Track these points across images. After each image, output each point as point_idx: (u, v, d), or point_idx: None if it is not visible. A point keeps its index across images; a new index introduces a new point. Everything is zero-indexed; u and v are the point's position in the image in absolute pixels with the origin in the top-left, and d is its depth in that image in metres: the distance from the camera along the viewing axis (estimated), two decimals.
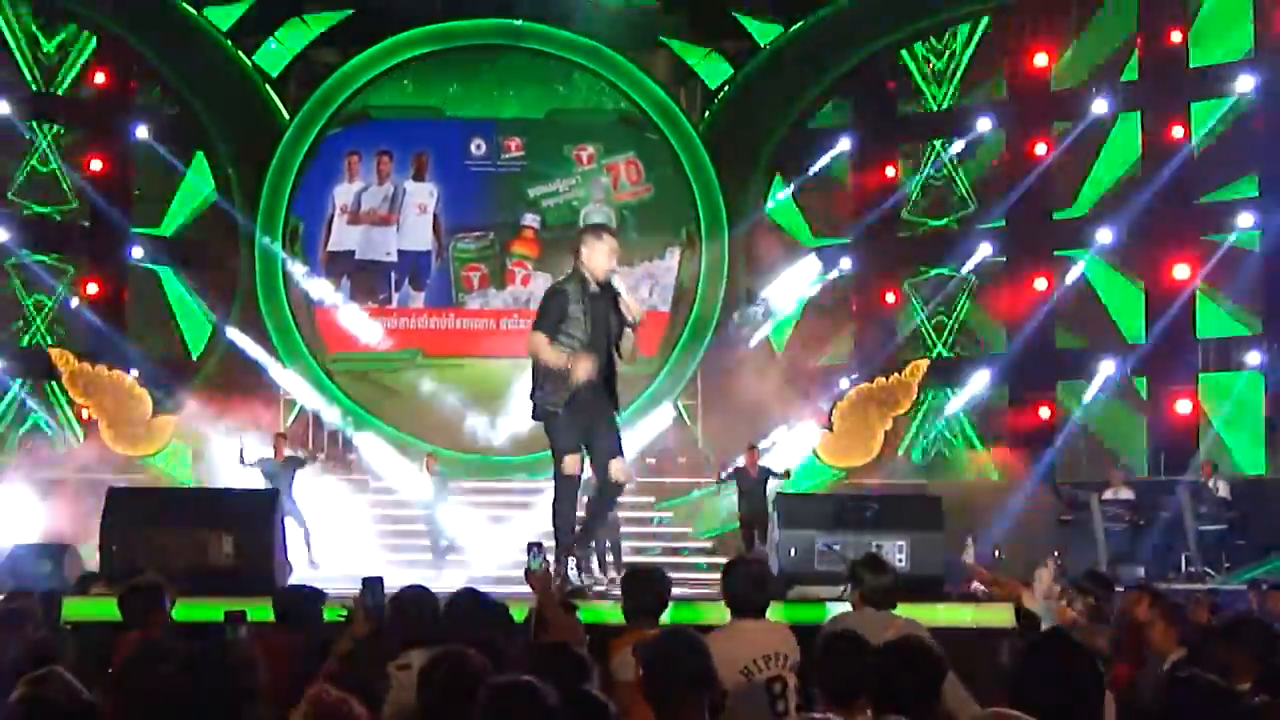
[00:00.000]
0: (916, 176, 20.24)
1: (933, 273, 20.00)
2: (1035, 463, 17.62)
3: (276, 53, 21.26)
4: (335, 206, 20.85)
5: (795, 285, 20.29)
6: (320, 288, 20.32)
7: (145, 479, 17.20)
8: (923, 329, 20.17)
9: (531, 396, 7.62)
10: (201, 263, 20.20)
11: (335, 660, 4.56)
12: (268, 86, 20.78)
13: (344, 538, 16.37)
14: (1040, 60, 19.02)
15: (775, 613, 5.74)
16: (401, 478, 18.53)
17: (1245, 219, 17.15)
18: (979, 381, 19.07)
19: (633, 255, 20.03)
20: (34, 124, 19.10)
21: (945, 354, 20.05)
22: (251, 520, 8.17)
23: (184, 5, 20.19)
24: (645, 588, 5.28)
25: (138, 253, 19.57)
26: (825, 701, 4.13)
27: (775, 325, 20.60)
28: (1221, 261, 17.30)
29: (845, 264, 20.40)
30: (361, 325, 20.34)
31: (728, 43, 21.54)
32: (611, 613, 5.93)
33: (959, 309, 20.04)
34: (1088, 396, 18.21)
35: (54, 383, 18.77)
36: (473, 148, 21.03)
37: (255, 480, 14.96)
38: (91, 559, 9.75)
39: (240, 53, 20.57)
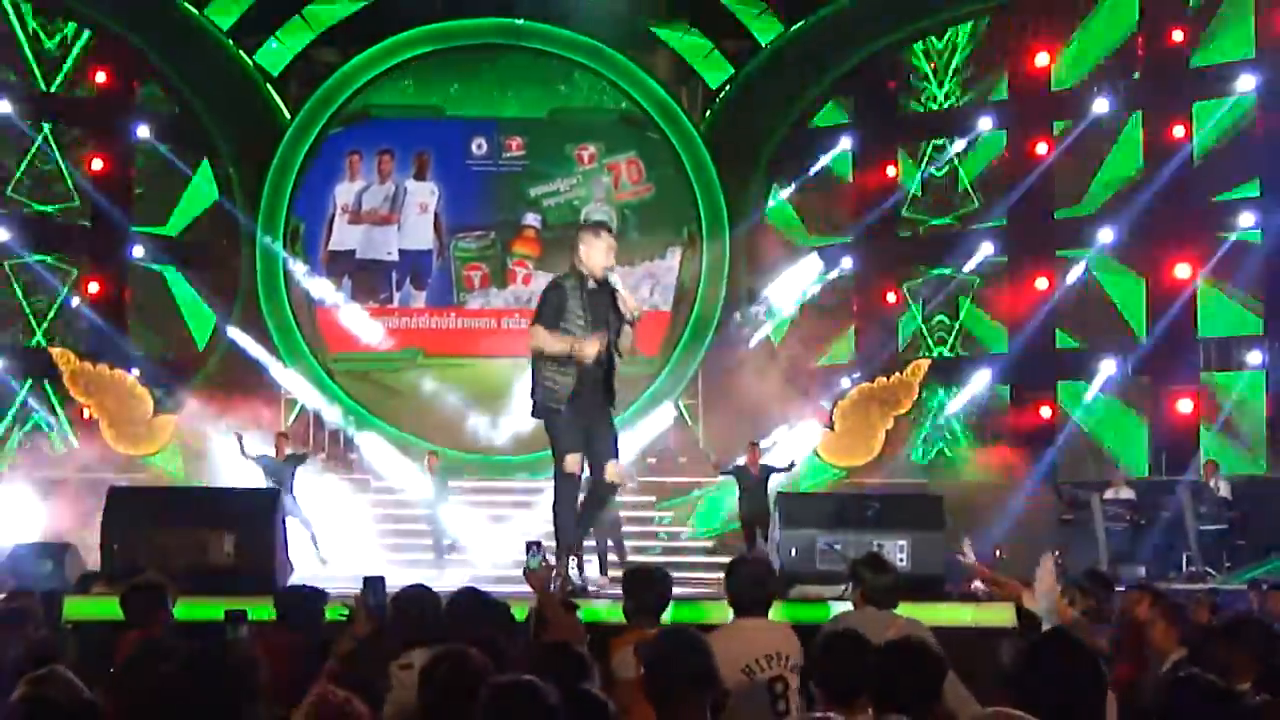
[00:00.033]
0: (917, 176, 20.25)
1: (933, 272, 20.00)
2: (1036, 462, 17.62)
3: (277, 52, 21.29)
4: (336, 206, 20.85)
5: (796, 285, 20.30)
6: (321, 287, 20.33)
7: (146, 478, 17.20)
8: (922, 329, 20.17)
9: (532, 395, 7.63)
10: (203, 262, 20.22)
11: (337, 660, 4.56)
12: (269, 86, 20.80)
13: (346, 537, 16.37)
14: (1041, 59, 19.03)
15: (777, 612, 5.74)
16: (403, 477, 18.54)
17: (1247, 218, 17.14)
18: (980, 381, 19.08)
19: (634, 255, 20.06)
20: (35, 122, 19.10)
21: (946, 354, 20.06)
22: (252, 519, 8.18)
23: (185, 4, 20.20)
24: (646, 587, 5.29)
25: (139, 252, 19.58)
26: (826, 701, 4.13)
27: (776, 325, 20.61)
28: (1226, 257, 17.28)
29: (846, 263, 20.40)
30: (362, 325, 20.34)
31: (728, 42, 21.56)
32: (612, 612, 5.93)
33: (960, 309, 20.03)
34: (1088, 396, 18.22)
35: (50, 382, 18.77)
36: (474, 147, 21.04)
37: (255, 474, 14.96)
38: (92, 558, 9.75)
39: (241, 52, 20.58)
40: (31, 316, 19.16)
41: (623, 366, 7.79)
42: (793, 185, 20.77)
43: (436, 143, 21.04)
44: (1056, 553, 12.86)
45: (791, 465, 16.19)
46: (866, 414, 18.92)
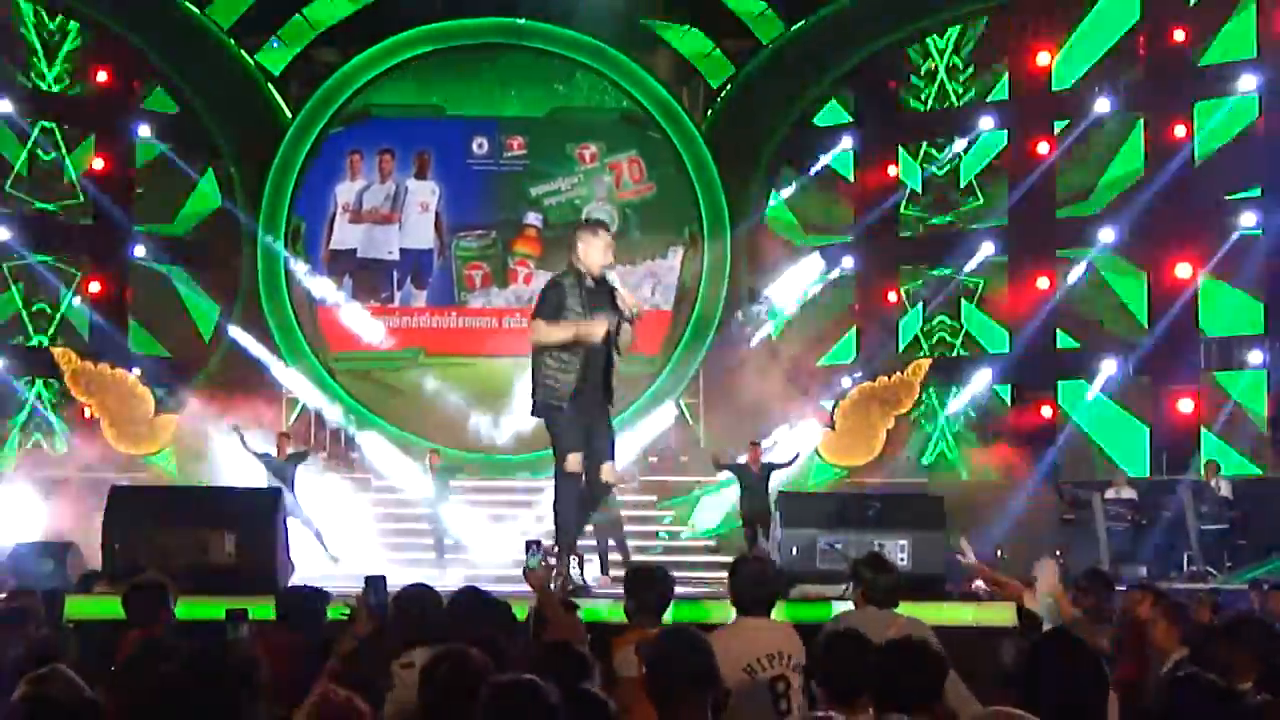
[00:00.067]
0: (918, 175, 20.24)
1: (934, 272, 20.00)
2: (1037, 462, 17.62)
3: (278, 52, 21.28)
4: (337, 205, 20.86)
5: (797, 284, 20.29)
6: (322, 286, 20.33)
7: (147, 477, 17.20)
8: (922, 329, 20.16)
9: (533, 393, 7.63)
10: (204, 261, 20.22)
11: (338, 659, 4.56)
12: (270, 85, 20.80)
13: (347, 536, 16.37)
14: (1042, 59, 19.03)
15: (778, 612, 5.73)
16: (404, 476, 18.54)
17: (1248, 218, 17.13)
18: (980, 381, 19.07)
19: (635, 254, 20.06)
20: (36, 121, 19.09)
21: (947, 353, 20.05)
22: (253, 519, 8.17)
23: (186, 4, 20.20)
24: (647, 586, 5.29)
25: (140, 251, 19.58)
26: (827, 700, 4.13)
27: (777, 324, 20.60)
28: (1227, 256, 17.27)
29: (847, 263, 20.40)
30: (364, 324, 20.34)
31: (729, 41, 21.55)
32: (613, 611, 5.93)
33: (960, 308, 20.02)
34: (1089, 396, 18.21)
35: (48, 382, 18.76)
36: (475, 146, 21.04)
37: (256, 473, 14.96)
38: (94, 558, 9.75)
39: (242, 52, 20.58)
40: (31, 317, 19.16)
41: (623, 365, 7.80)
42: (794, 185, 20.77)
43: (437, 142, 21.04)
44: (1058, 553, 12.90)
45: (795, 459, 16.18)
46: (867, 413, 18.91)
